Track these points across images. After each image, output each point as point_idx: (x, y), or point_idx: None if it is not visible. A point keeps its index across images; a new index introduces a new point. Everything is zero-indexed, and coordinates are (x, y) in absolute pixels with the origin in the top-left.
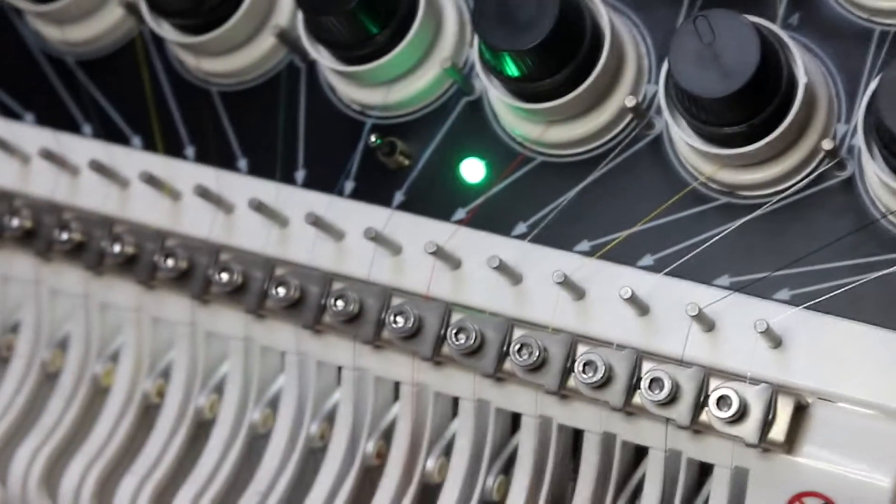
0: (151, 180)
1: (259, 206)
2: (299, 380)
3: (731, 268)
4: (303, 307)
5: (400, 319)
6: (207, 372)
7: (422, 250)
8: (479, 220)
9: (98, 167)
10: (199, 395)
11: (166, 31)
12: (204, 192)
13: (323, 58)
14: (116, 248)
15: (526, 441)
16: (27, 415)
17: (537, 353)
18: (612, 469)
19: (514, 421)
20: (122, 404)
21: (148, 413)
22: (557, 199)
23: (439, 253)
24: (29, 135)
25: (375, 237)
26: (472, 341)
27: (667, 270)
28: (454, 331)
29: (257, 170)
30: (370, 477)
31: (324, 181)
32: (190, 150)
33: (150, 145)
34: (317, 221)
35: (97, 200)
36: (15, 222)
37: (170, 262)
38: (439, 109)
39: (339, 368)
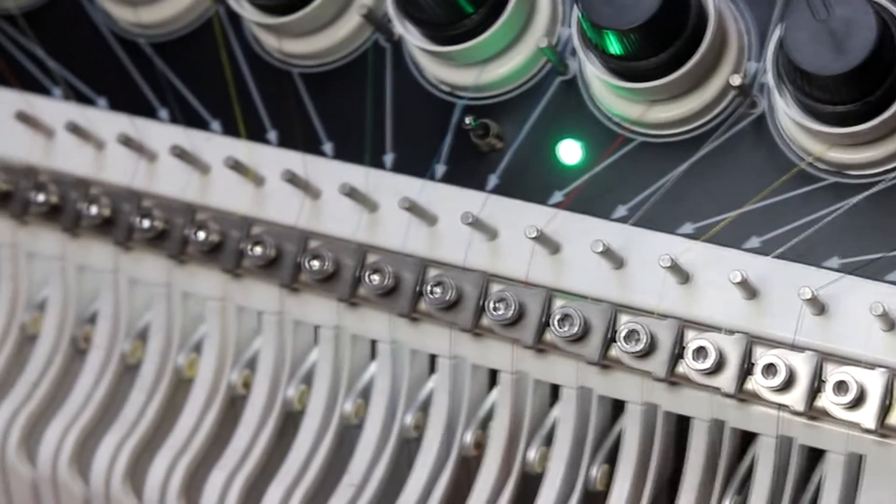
0: (237, 166)
1: (351, 192)
2: (392, 369)
3: (841, 249)
4: (397, 295)
5: (501, 307)
6: (296, 362)
7: (518, 235)
8: (578, 203)
9: (180, 153)
10: (288, 386)
11: (248, 11)
12: (292, 178)
13: (414, 38)
14: (201, 236)
15: (631, 429)
16: (107, 408)
17: (645, 340)
18: (721, 457)
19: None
20: (206, 396)
21: (233, 405)
22: (658, 181)
23: (539, 238)
24: (103, 120)
25: (474, 222)
26: (576, 328)
27: (775, 253)
28: (558, 318)
29: (344, 154)
30: (467, 467)
31: (414, 165)
32: (272, 135)
33: (230, 130)
34: (412, 207)
35: (178, 187)
36: (93, 210)
37: (258, 250)
38: (532, 90)
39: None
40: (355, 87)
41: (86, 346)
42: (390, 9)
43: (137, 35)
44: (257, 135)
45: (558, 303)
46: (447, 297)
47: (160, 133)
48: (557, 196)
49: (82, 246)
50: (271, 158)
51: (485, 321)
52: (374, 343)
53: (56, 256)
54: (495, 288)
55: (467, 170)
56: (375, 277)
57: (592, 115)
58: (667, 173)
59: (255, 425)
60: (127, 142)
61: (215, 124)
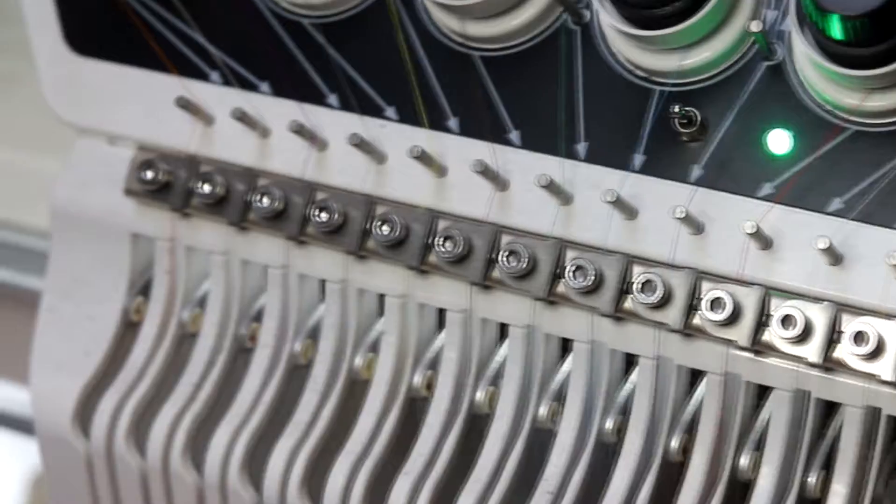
0: (423, 156)
1: (550, 185)
2: (588, 370)
3: None
4: (600, 294)
5: (717, 307)
6: (482, 363)
7: (727, 229)
8: (791, 196)
9: (359, 142)
10: (476, 388)
11: None
12: (484, 169)
13: (614, 19)
14: (385, 231)
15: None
16: (276, 411)
17: (873, 342)
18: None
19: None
20: (384, 398)
21: (413, 406)
22: (877, 173)
23: (756, 234)
24: (268, 106)
25: (686, 217)
26: (798, 329)
27: None
28: (780, 317)
29: (533, 143)
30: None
31: (610, 155)
32: (454, 122)
33: (408, 117)
34: (616, 200)
35: (353, 178)
36: (264, 202)
37: (448, 246)
38: (735, 76)
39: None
40: (543, 71)
41: (252, 344)
42: None
43: (301, 15)
44: (438, 123)
45: (775, 302)
46: (656, 297)
47: (332, 120)
48: (767, 188)
49: (249, 240)
50: (454, 148)
51: (695, 321)
52: (566, 342)
53: (219, 251)
54: (706, 286)
55: (668, 160)
56: (580, 278)
57: (801, 103)
58: (884, 164)
59: (438, 429)
60: (300, 129)
61: (390, 111)
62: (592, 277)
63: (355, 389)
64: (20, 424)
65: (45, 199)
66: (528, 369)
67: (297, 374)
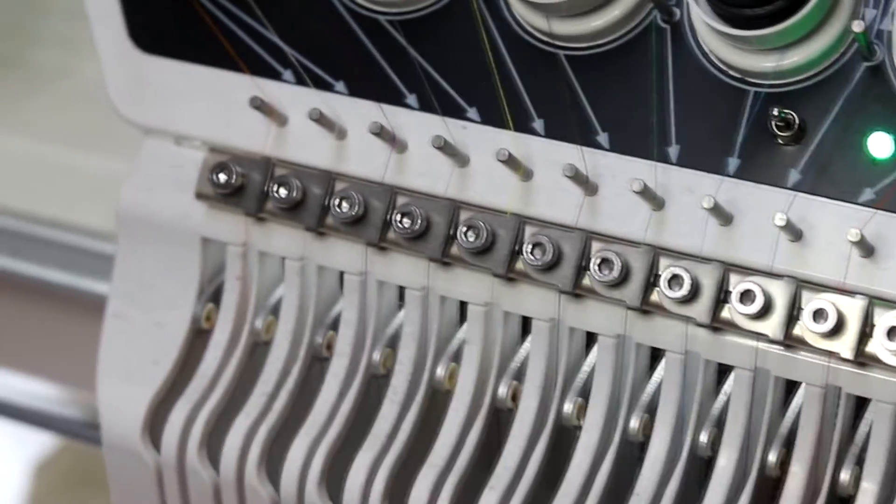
0: (510, 160)
1: (644, 190)
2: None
3: None
4: (696, 302)
5: (820, 318)
6: (569, 374)
7: (828, 236)
8: (893, 202)
9: (442, 144)
10: (563, 400)
11: None
12: (575, 174)
13: (709, 19)
14: (470, 237)
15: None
16: (354, 423)
17: None
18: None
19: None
20: (468, 410)
21: (498, 417)
22: None
23: (860, 242)
24: (344, 106)
25: (786, 225)
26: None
27: None
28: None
29: (623, 146)
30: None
31: (704, 158)
32: (539, 124)
33: (491, 119)
34: (714, 207)
35: (436, 182)
36: (344, 207)
37: (537, 253)
38: (835, 76)
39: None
40: (632, 71)
41: (328, 353)
42: None
43: (378, 12)
44: (523, 124)
45: (878, 311)
46: (755, 307)
47: (412, 121)
48: (868, 193)
49: (326, 245)
50: (540, 150)
51: (796, 330)
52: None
53: (294, 256)
54: (806, 295)
55: (765, 164)
56: (676, 289)
57: None
58: None
59: (524, 442)
60: (379, 131)
61: (472, 112)
62: (688, 286)
63: (437, 400)
64: (20, 414)
65: (95, 198)
66: (619, 380)
67: (375, 384)
